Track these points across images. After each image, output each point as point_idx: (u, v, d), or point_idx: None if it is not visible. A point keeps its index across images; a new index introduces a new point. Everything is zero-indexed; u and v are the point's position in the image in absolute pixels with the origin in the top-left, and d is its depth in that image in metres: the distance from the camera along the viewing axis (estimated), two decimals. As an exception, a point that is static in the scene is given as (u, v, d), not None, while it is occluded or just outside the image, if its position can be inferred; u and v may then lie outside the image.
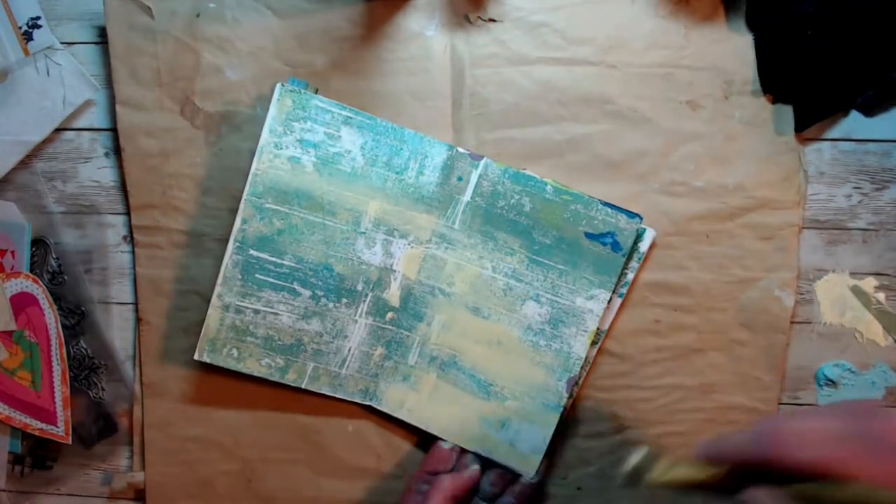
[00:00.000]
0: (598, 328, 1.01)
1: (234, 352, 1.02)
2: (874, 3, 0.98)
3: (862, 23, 0.99)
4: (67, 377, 1.06)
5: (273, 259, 1.01)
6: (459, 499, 0.99)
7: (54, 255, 1.08)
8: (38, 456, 1.10)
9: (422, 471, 1.02)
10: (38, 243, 1.08)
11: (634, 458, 0.84)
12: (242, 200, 0.99)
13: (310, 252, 1.01)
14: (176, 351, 1.07)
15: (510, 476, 1.03)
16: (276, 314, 1.02)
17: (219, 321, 1.01)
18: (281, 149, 0.99)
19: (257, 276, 1.01)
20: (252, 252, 1.00)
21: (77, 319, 1.08)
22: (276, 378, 1.03)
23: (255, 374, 1.03)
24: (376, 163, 1.00)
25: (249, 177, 0.99)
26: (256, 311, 1.02)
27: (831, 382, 1.06)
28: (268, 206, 0.99)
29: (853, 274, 1.06)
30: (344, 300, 1.02)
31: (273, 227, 1.00)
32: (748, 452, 0.69)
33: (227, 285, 1.01)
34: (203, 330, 1.01)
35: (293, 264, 1.01)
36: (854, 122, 1.05)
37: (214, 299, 1.01)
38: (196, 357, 1.01)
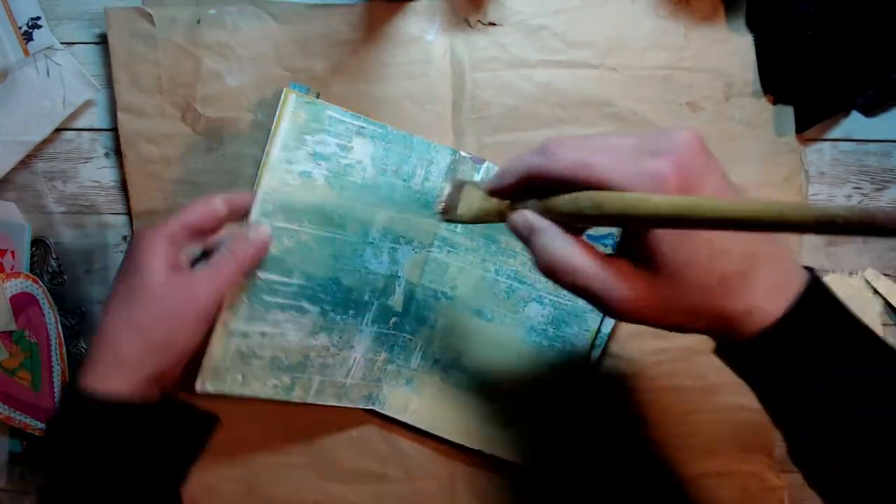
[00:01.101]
0: (599, 329, 1.01)
1: (239, 377, 0.98)
2: (874, 3, 0.98)
3: (862, 23, 0.99)
4: (67, 377, 1.06)
5: (282, 279, 0.98)
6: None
7: (54, 255, 1.07)
8: (38, 456, 1.10)
9: (179, 221, 0.90)
10: (38, 243, 1.07)
11: (442, 195, 0.80)
12: (250, 221, 0.95)
13: (318, 268, 0.99)
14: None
15: None
16: (283, 334, 0.99)
17: (223, 349, 0.97)
18: (292, 164, 0.96)
19: (264, 297, 0.97)
20: (259, 275, 0.96)
21: (77, 319, 1.08)
22: (281, 397, 1.01)
23: (261, 396, 1.00)
24: (385, 172, 0.99)
25: (258, 196, 0.95)
26: (263, 334, 0.98)
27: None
28: (277, 224, 0.96)
29: (853, 274, 1.06)
30: (351, 311, 1.02)
31: (282, 245, 0.97)
32: (524, 169, 0.66)
33: (231, 311, 0.96)
34: (204, 361, 0.96)
35: (302, 282, 0.99)
36: (854, 123, 1.05)
37: (218, 328, 0.96)
38: (198, 389, 0.96)
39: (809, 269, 0.65)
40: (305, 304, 1.00)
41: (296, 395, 1.02)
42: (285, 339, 1.00)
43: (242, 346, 0.98)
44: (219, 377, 0.97)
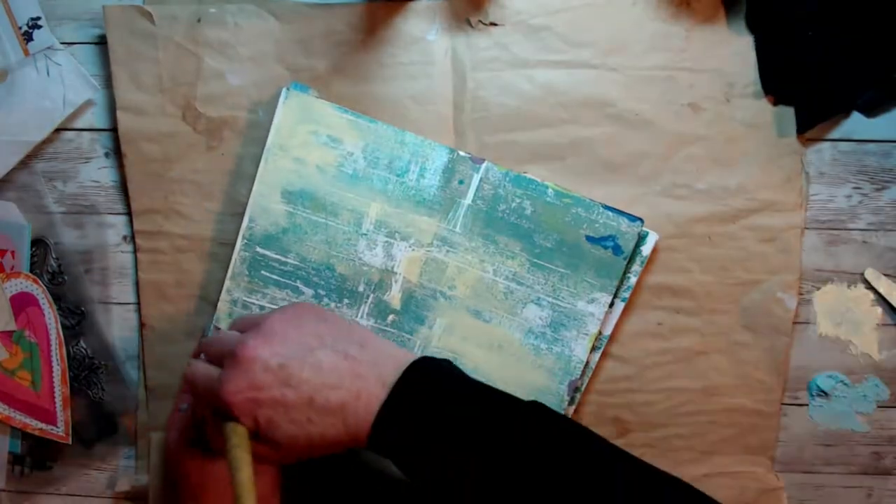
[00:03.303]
0: (599, 332, 1.01)
1: None
2: (875, 2, 0.98)
3: (862, 23, 0.99)
4: (67, 377, 1.06)
5: (278, 257, 1.01)
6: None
7: (54, 255, 1.07)
8: (38, 456, 1.10)
9: (179, 392, 1.04)
10: (38, 243, 1.07)
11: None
12: (250, 199, 1.00)
13: (313, 251, 1.01)
14: (180, 355, 1.07)
15: None
16: None
17: (227, 315, 1.03)
18: (286, 150, 0.99)
19: (263, 272, 1.01)
20: (259, 249, 1.01)
21: (77, 319, 1.08)
22: None
23: None
24: (377, 165, 1.00)
25: (257, 176, 1.00)
26: (262, 308, 1.02)
27: (823, 393, 1.06)
28: (274, 205, 1.00)
29: (851, 286, 1.07)
30: (346, 300, 1.02)
31: (278, 225, 1.01)
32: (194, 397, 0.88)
33: (235, 280, 1.02)
34: (212, 324, 1.03)
35: (297, 263, 1.02)
36: (854, 123, 1.05)
37: (224, 294, 1.02)
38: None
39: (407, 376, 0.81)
40: (301, 286, 1.02)
41: None
42: None
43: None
44: None
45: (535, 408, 0.82)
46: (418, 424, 0.77)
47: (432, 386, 0.80)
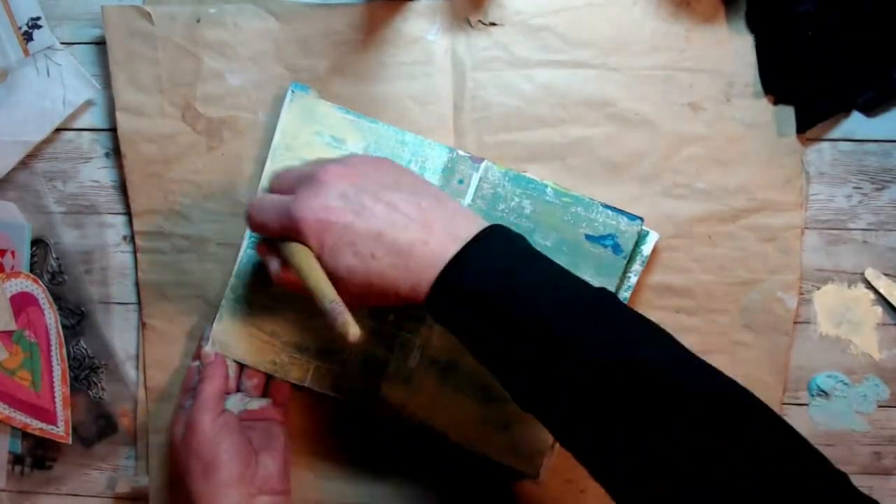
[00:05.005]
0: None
1: (242, 345, 1.03)
2: (875, 3, 0.98)
3: (862, 23, 0.99)
4: (67, 377, 1.07)
5: None
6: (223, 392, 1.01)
7: (54, 255, 1.07)
8: (38, 456, 1.10)
9: (182, 392, 1.03)
10: (38, 243, 1.08)
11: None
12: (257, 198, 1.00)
13: None
14: (180, 355, 1.07)
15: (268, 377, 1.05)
16: (282, 311, 1.02)
17: (230, 314, 1.02)
18: (291, 150, 1.00)
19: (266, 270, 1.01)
20: None
21: (77, 319, 1.08)
22: (280, 375, 1.03)
23: (262, 369, 1.03)
24: (378, 165, 1.00)
25: (263, 174, 1.00)
26: (264, 307, 1.02)
27: (823, 393, 1.06)
28: None
29: (852, 286, 1.07)
30: (347, 299, 1.02)
31: None
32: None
33: (239, 279, 1.02)
34: (214, 323, 1.02)
35: None
36: (854, 123, 1.05)
37: (227, 292, 1.02)
38: (206, 349, 1.02)
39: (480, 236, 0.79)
40: None
41: (294, 377, 1.03)
42: (284, 316, 1.02)
43: (247, 314, 1.02)
44: (225, 341, 1.03)
45: (605, 295, 0.79)
46: (487, 283, 0.75)
47: (506, 249, 0.78)
